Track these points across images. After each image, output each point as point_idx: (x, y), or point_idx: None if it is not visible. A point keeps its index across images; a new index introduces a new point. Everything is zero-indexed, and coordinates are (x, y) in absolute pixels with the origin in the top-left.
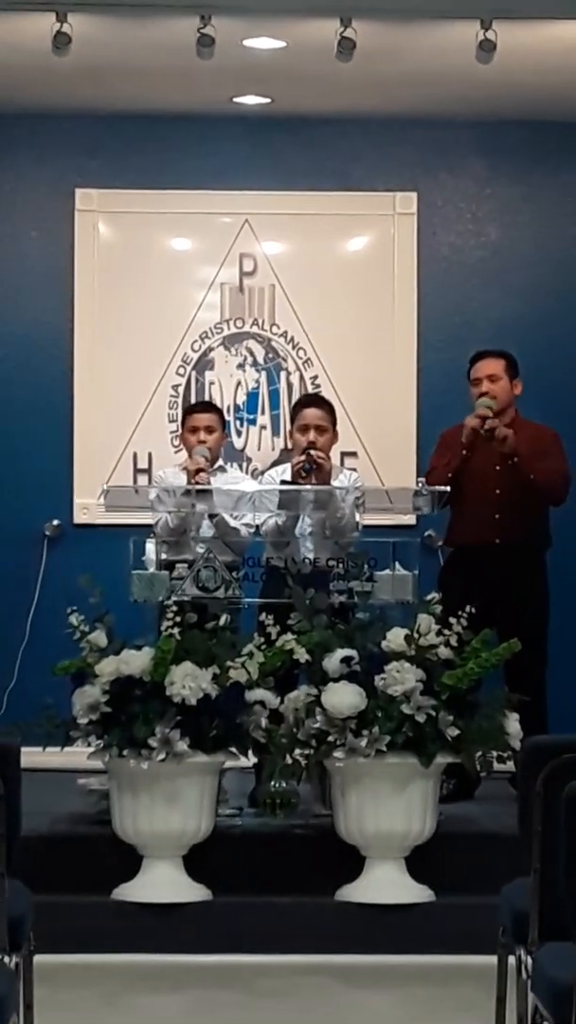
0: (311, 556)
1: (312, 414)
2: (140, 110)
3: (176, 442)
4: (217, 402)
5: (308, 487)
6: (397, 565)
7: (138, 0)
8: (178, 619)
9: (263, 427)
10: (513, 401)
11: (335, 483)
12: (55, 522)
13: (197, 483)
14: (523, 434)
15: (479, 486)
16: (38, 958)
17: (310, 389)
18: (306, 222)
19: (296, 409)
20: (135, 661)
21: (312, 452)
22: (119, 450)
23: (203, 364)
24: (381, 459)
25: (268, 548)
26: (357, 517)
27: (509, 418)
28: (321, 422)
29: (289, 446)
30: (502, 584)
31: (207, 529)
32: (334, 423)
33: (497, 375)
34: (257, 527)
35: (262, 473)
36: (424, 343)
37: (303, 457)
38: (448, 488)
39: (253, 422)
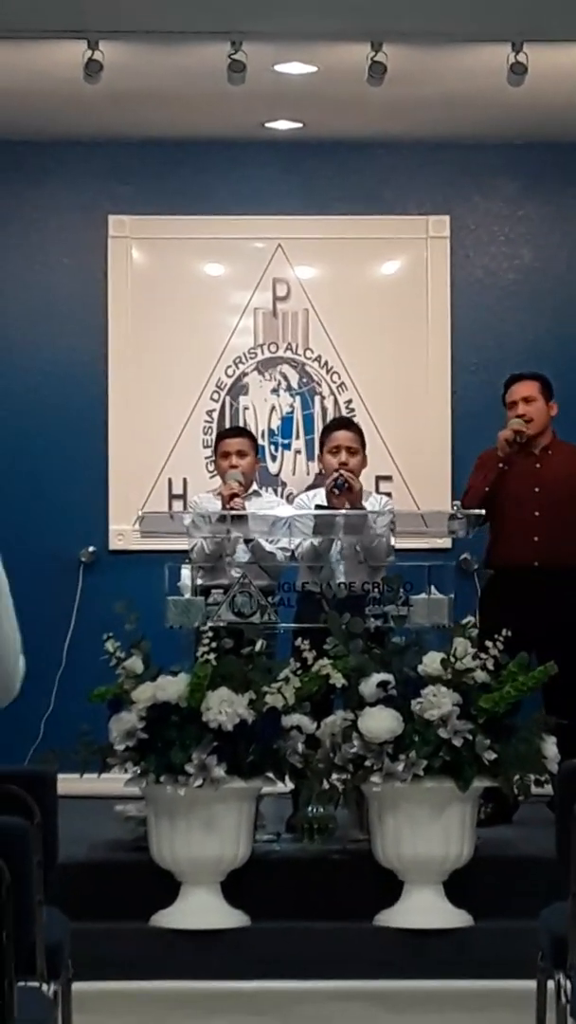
0: (344, 580)
1: (343, 436)
2: (172, 136)
3: (211, 467)
4: (251, 427)
5: (341, 512)
6: (433, 589)
7: (169, 27)
8: (214, 645)
9: (297, 452)
10: (550, 422)
11: (366, 506)
12: (91, 548)
13: (232, 508)
14: (563, 456)
15: (518, 508)
16: (77, 985)
17: (344, 413)
18: (339, 246)
19: (326, 432)
20: (171, 687)
21: (344, 472)
22: (154, 476)
23: (237, 389)
24: (416, 482)
25: (303, 572)
26: (392, 541)
27: (548, 439)
28: (352, 444)
29: (320, 469)
30: (540, 607)
31: (242, 554)
32: (364, 446)
33: (533, 396)
34: (293, 551)
35: (296, 497)
36: (458, 366)
37: (336, 475)
38: (483, 511)
39: (288, 447)
